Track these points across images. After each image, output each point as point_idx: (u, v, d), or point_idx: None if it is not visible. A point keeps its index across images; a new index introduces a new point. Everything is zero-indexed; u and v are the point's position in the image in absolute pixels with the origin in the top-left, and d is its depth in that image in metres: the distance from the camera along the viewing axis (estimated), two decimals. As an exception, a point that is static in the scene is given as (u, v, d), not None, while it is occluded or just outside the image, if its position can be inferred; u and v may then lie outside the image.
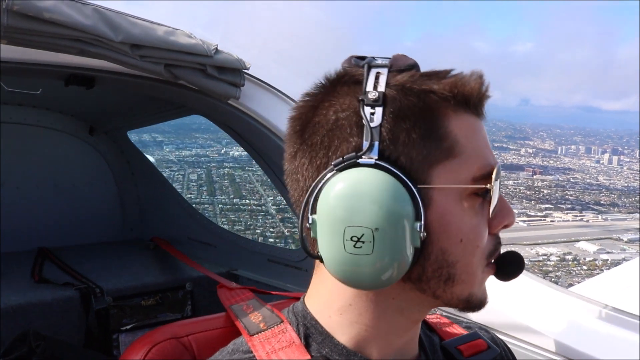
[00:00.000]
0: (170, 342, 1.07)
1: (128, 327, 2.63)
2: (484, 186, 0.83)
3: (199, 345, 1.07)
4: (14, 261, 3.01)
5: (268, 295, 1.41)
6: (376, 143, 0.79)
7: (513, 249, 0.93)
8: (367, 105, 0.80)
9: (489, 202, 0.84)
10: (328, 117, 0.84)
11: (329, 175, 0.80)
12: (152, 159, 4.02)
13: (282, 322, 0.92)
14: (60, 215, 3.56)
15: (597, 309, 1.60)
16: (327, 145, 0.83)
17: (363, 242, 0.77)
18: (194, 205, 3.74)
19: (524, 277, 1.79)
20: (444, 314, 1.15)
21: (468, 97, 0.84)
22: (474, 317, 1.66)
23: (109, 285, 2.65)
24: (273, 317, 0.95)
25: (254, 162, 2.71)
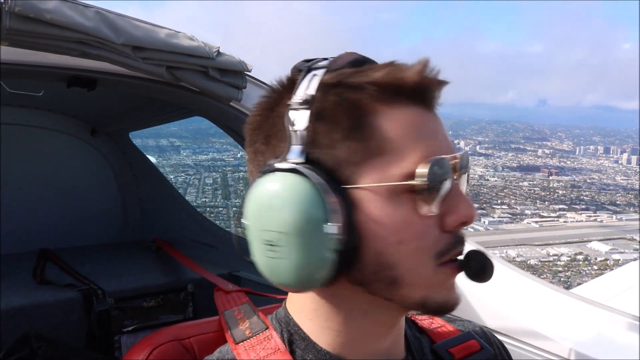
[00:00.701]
0: (172, 344, 1.07)
1: (130, 328, 2.63)
2: (410, 182, 0.77)
3: (200, 347, 1.07)
4: (15, 262, 3.01)
5: (267, 297, 1.41)
6: (299, 146, 0.78)
7: (478, 250, 0.86)
8: (293, 109, 0.79)
9: (434, 198, 0.78)
10: (264, 124, 0.85)
11: (254, 181, 0.81)
12: (154, 160, 4.03)
13: (267, 328, 0.91)
14: (62, 216, 3.57)
15: (603, 312, 1.60)
16: (262, 152, 0.85)
17: (276, 246, 0.77)
18: (195, 207, 3.75)
19: (532, 282, 1.79)
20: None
21: (401, 87, 0.80)
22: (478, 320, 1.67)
23: (110, 287, 2.65)
24: (259, 323, 0.94)
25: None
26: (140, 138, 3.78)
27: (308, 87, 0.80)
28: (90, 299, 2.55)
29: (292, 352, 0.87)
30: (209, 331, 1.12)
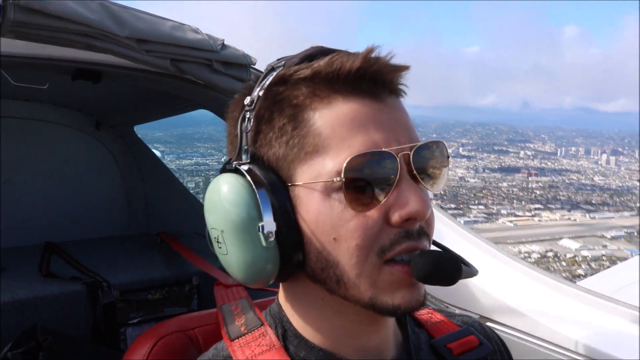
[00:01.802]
0: (177, 335, 1.07)
1: (135, 321, 2.64)
2: (335, 180, 0.75)
3: (205, 338, 1.07)
4: (21, 255, 3.02)
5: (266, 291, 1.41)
6: (245, 148, 0.81)
7: (432, 250, 0.80)
8: (245, 110, 0.82)
9: (370, 193, 0.76)
10: (230, 126, 0.89)
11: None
12: (159, 153, 4.03)
13: (262, 325, 0.91)
14: (67, 209, 3.57)
15: (599, 300, 1.60)
16: (229, 153, 0.88)
17: (220, 243, 0.82)
18: (200, 200, 3.74)
19: (536, 274, 1.78)
20: (436, 308, 1.14)
21: (338, 78, 0.78)
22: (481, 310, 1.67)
23: (115, 280, 2.66)
24: (254, 319, 0.94)
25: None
26: (144, 131, 3.78)
27: (262, 87, 0.82)
28: (96, 291, 2.56)
29: (285, 348, 0.87)
30: (214, 322, 1.12)
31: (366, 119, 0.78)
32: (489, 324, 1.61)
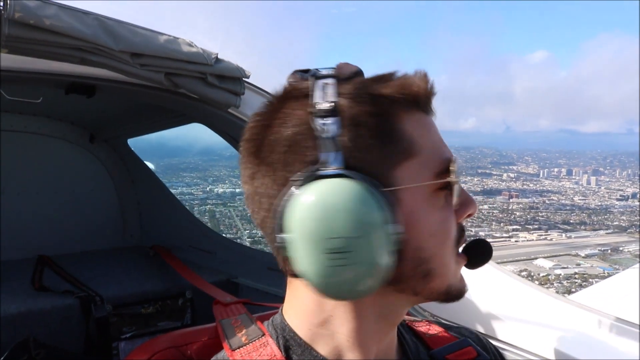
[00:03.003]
0: (170, 351, 1.07)
1: (128, 335, 2.63)
2: (446, 180, 0.84)
3: (198, 354, 1.07)
4: (13, 269, 3.00)
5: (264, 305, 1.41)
6: (334, 153, 0.79)
7: (477, 239, 0.96)
8: (318, 116, 0.80)
9: (452, 194, 0.85)
10: (283, 134, 0.83)
11: (295, 191, 0.79)
12: (152, 166, 4.03)
13: (263, 335, 0.92)
14: (61, 222, 3.56)
15: (597, 317, 1.60)
16: (285, 162, 0.82)
17: (340, 253, 0.76)
18: (194, 213, 3.74)
19: (524, 287, 1.79)
20: (433, 320, 1.14)
21: (416, 96, 0.85)
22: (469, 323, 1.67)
23: (109, 293, 2.65)
24: (255, 330, 0.95)
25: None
26: (138, 145, 3.78)
27: (324, 95, 0.81)
28: (89, 305, 2.55)
29: (288, 358, 0.87)
30: (208, 338, 1.11)
31: (437, 132, 0.89)
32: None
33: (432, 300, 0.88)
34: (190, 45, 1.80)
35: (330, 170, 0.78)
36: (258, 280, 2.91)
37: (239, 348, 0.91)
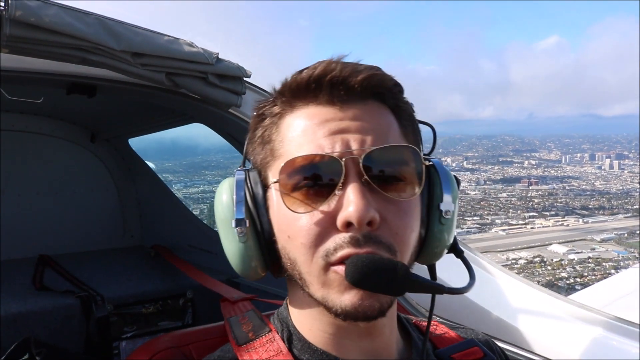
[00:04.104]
0: (171, 350, 1.06)
1: (129, 334, 2.63)
2: (273, 181, 0.84)
3: (199, 354, 1.06)
4: (14, 268, 3.01)
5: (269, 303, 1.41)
6: (245, 154, 0.95)
7: (357, 254, 0.76)
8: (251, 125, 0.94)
9: (310, 196, 0.79)
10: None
11: None
12: (153, 166, 4.03)
13: (270, 331, 0.92)
14: (61, 222, 3.56)
15: (598, 318, 1.60)
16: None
17: (220, 237, 0.91)
18: (194, 213, 3.74)
19: (529, 289, 1.79)
20: (440, 320, 1.14)
21: (297, 87, 0.84)
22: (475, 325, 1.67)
23: (109, 293, 2.65)
24: (262, 326, 0.95)
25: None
26: (139, 144, 3.78)
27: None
28: (90, 305, 2.55)
29: (290, 351, 0.88)
30: (209, 338, 1.11)
31: (318, 125, 0.81)
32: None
33: (333, 314, 0.80)
34: (190, 45, 1.80)
35: (237, 168, 0.91)
36: (259, 281, 2.90)
37: (245, 344, 0.92)
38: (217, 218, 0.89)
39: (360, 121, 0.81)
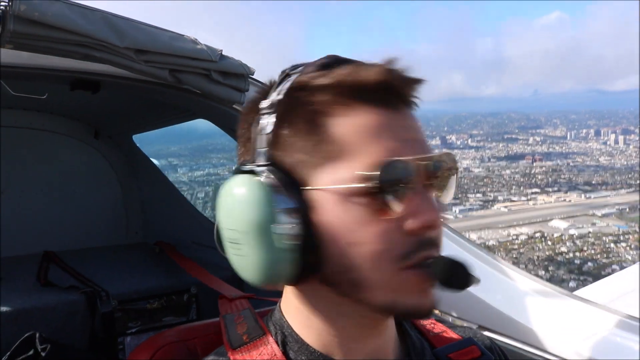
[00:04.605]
0: (176, 345, 1.07)
1: (133, 330, 2.63)
2: (358, 185, 0.77)
3: (204, 349, 1.07)
4: (19, 265, 3.01)
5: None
6: (262, 149, 0.82)
7: (450, 255, 0.80)
8: (262, 114, 0.83)
9: (390, 201, 0.77)
10: (245, 129, 0.89)
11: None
12: (157, 162, 4.03)
13: (264, 334, 0.92)
14: (65, 218, 3.57)
15: (603, 313, 1.60)
16: (242, 155, 0.89)
17: (238, 244, 0.81)
18: (198, 209, 3.75)
19: (531, 283, 1.79)
20: (438, 318, 1.15)
21: (360, 88, 0.80)
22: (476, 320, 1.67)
23: (114, 289, 2.65)
24: (256, 328, 0.95)
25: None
26: (143, 140, 3.79)
27: (279, 91, 0.83)
28: (94, 300, 2.55)
29: (285, 354, 0.88)
30: (213, 332, 1.12)
31: (384, 129, 0.80)
32: (487, 333, 1.62)
33: (378, 313, 0.83)
34: (194, 42, 1.81)
35: (248, 166, 0.82)
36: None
37: (239, 347, 0.91)
38: (245, 221, 0.79)
39: (418, 127, 0.84)
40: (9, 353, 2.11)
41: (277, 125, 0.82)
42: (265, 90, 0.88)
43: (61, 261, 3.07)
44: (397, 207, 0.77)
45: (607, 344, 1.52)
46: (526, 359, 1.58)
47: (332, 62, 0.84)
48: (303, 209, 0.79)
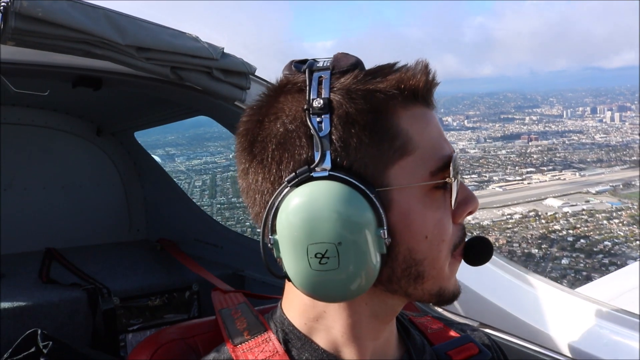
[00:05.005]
0: (177, 342, 1.07)
1: (135, 327, 2.64)
2: (443, 180, 0.81)
3: (205, 346, 1.07)
4: (21, 262, 3.02)
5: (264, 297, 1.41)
6: (328, 152, 0.77)
7: (479, 234, 0.91)
8: (313, 114, 0.78)
9: (450, 193, 0.82)
10: (275, 131, 0.82)
11: (284, 191, 0.78)
12: (159, 160, 4.04)
13: (265, 330, 0.92)
14: (68, 216, 3.58)
15: (602, 309, 1.60)
16: (278, 160, 0.81)
17: (328, 257, 0.75)
18: (200, 207, 3.75)
19: (530, 279, 1.79)
20: (435, 315, 1.15)
21: (415, 90, 0.82)
22: (476, 316, 1.67)
23: (115, 286, 2.66)
24: (257, 324, 0.94)
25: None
26: (145, 138, 3.79)
27: (319, 90, 0.80)
28: (96, 298, 2.56)
29: (287, 352, 0.87)
30: (214, 330, 1.12)
31: (436, 126, 0.85)
32: (488, 330, 1.62)
33: (423, 302, 0.89)
34: (196, 40, 1.81)
35: (320, 171, 0.77)
36: (265, 273, 2.91)
37: (241, 344, 0.91)
38: (344, 231, 0.75)
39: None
40: (10, 350, 2.11)
41: (340, 126, 0.78)
42: (282, 87, 0.85)
43: (63, 258, 3.07)
44: (455, 198, 0.83)
45: (607, 341, 1.51)
46: (527, 356, 1.58)
47: (360, 62, 0.84)
48: (386, 210, 0.78)
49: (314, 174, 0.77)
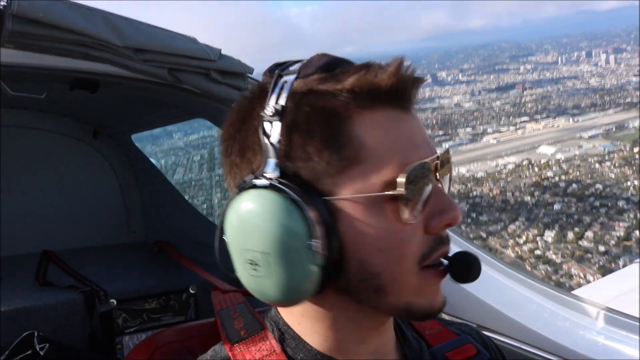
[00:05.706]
0: (174, 345, 1.07)
1: (132, 329, 2.63)
2: (391, 193, 0.75)
3: (202, 348, 1.07)
4: (18, 264, 3.01)
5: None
6: (273, 160, 0.77)
7: (464, 251, 0.84)
8: (265, 120, 0.77)
9: (416, 204, 0.77)
10: (240, 136, 0.83)
11: (231, 199, 0.79)
12: (156, 162, 4.03)
13: (262, 329, 0.91)
14: (64, 218, 3.57)
15: (599, 311, 1.60)
16: (239, 165, 0.83)
17: (258, 265, 0.76)
18: (197, 209, 3.74)
19: (527, 280, 1.79)
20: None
21: (375, 91, 0.78)
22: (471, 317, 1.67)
23: (112, 288, 2.65)
24: (254, 324, 0.94)
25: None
26: (142, 140, 3.79)
27: (279, 95, 0.78)
28: (93, 300, 2.55)
29: (283, 351, 0.87)
30: (211, 332, 1.12)
31: (403, 131, 0.79)
32: (486, 332, 1.62)
33: (396, 316, 0.85)
34: (193, 41, 1.81)
35: (262, 180, 0.77)
36: None
37: (238, 342, 0.91)
38: (272, 241, 0.74)
39: (422, 127, 0.83)
40: (7, 352, 2.11)
41: (288, 133, 0.77)
42: (256, 92, 0.85)
43: (60, 260, 3.07)
44: (423, 209, 0.77)
45: (605, 343, 1.52)
46: (525, 358, 1.58)
47: (333, 62, 0.82)
48: (329, 221, 0.76)
49: (256, 182, 0.77)
